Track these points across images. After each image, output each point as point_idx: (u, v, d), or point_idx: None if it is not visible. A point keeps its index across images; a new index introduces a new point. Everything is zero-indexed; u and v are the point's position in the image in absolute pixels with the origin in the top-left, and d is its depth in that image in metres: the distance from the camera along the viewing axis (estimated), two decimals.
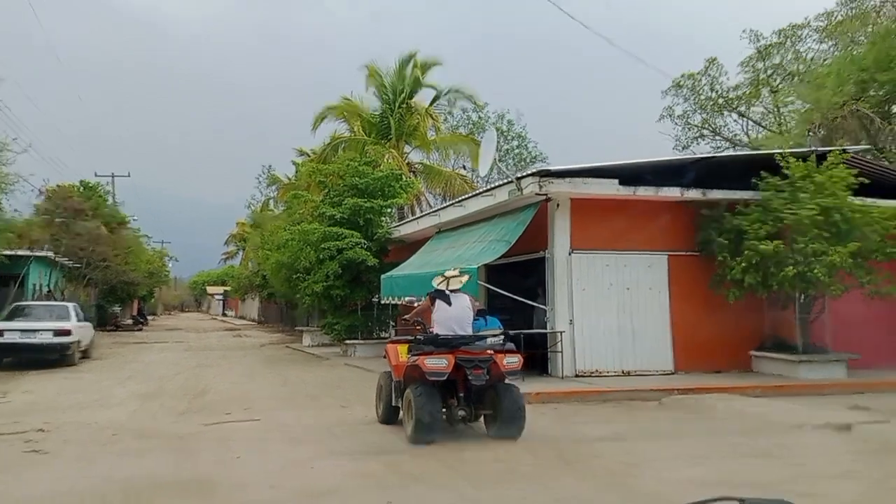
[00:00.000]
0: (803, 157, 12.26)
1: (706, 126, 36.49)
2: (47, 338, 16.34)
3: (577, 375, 12.02)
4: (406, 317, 8.37)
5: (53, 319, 17.02)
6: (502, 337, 7.65)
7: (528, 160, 35.23)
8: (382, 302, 15.66)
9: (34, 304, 19.47)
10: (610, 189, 11.72)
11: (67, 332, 16.59)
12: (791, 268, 11.33)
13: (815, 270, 11.25)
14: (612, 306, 12.39)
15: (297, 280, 21.05)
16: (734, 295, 12.11)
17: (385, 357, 8.25)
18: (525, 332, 11.90)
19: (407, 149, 30.44)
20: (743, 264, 11.81)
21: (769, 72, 34.05)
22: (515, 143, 37.43)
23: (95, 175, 44.80)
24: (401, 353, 7.69)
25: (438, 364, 6.77)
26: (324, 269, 17.90)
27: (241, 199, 50.00)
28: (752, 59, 33.79)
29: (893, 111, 19.06)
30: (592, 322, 12.24)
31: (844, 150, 12.64)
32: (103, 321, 41.63)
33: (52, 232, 27.71)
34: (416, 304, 9.62)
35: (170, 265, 77.17)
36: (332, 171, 19.29)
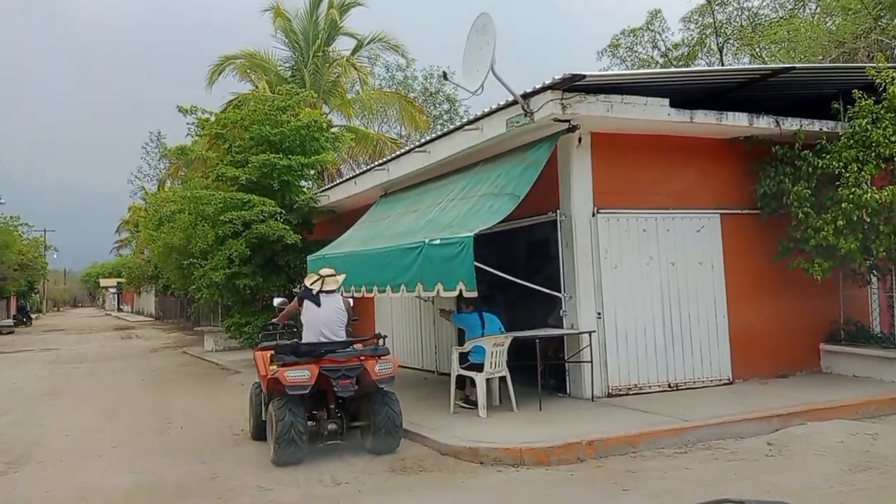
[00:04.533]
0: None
1: None
2: None
3: (609, 394, 8.14)
4: (274, 320, 7.82)
5: None
6: (378, 341, 6.77)
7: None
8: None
9: None
10: (658, 113, 7.80)
11: None
12: None
13: None
14: (653, 290, 8.55)
15: (190, 267, 16.23)
16: (821, 268, 8.53)
17: (255, 366, 7.38)
18: (541, 335, 7.90)
19: (325, 109, 25.59)
20: (838, 222, 8.24)
21: (717, 25, 31.43)
22: (445, 106, 33.33)
23: None
24: (268, 362, 6.71)
25: (299, 377, 6.13)
26: (225, 250, 13.22)
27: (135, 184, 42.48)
28: (697, 11, 31.08)
29: None
30: (628, 315, 8.37)
31: None
32: None
33: None
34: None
35: (54, 256, 68.81)
36: (234, 121, 14.45)
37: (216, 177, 14.32)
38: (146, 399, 11.07)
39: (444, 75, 7.21)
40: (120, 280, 65.18)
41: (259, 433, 7.13)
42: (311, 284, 6.84)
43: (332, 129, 15.74)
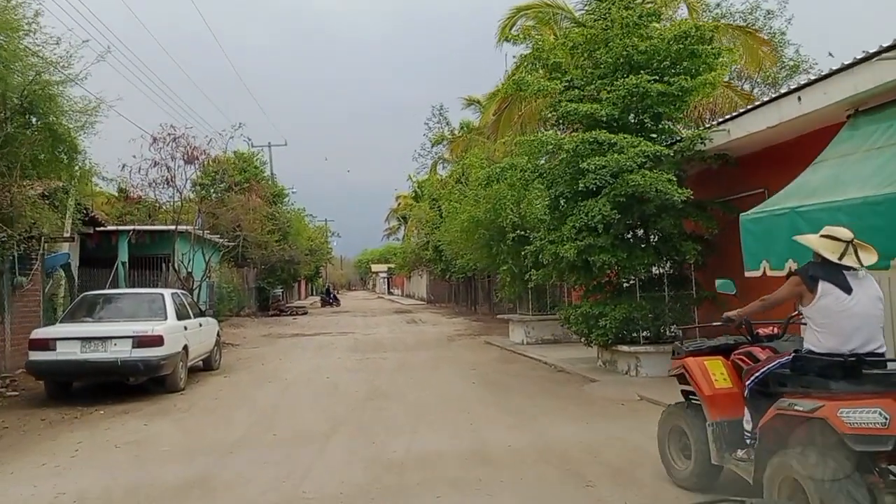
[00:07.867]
0: None
1: None
2: (123, 351, 9.59)
3: None
4: (732, 314, 4.61)
5: (136, 319, 10.30)
6: None
7: (780, 73, 23.94)
8: (753, 273, 7.01)
9: (114, 293, 12.92)
10: None
11: (156, 341, 9.74)
12: None
13: None
14: None
15: (504, 244, 13.14)
16: None
17: (683, 373, 4.95)
18: None
19: None
20: None
21: None
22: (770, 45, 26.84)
23: (252, 145, 39.72)
24: (713, 374, 4.71)
25: (872, 422, 3.43)
26: (581, 213, 9.59)
27: (403, 176, 45.58)
28: None
29: None
30: None
31: None
32: (265, 306, 37.15)
33: (207, 207, 22.70)
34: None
35: (333, 242, 74.14)
36: (586, 39, 10.77)
37: (557, 119, 10.81)
38: (503, 419, 7.83)
39: None
40: (390, 265, 68.14)
41: (701, 481, 4.83)
42: (840, 258, 3.97)
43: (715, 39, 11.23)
